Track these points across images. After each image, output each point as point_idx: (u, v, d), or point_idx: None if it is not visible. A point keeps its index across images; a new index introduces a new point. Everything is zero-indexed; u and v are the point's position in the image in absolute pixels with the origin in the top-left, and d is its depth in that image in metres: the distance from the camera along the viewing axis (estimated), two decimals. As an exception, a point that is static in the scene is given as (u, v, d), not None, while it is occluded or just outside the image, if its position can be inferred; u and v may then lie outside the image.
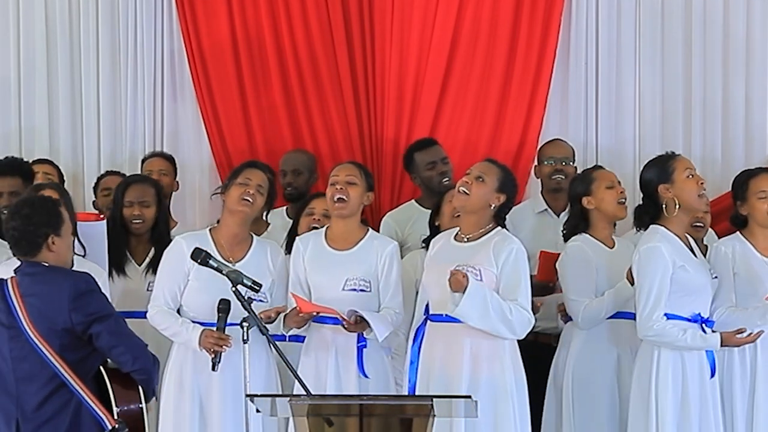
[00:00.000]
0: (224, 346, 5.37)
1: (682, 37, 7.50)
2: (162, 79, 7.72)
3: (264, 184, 5.74)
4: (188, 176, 7.51)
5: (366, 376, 5.64)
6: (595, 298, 5.91)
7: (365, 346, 5.65)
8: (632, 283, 5.72)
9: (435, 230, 6.06)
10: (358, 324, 5.57)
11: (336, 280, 5.68)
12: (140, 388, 4.72)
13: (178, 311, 5.73)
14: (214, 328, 5.40)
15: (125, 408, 4.66)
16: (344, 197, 5.72)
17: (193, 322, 5.61)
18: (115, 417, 4.59)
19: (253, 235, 5.82)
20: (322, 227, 5.95)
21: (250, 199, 5.67)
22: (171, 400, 5.66)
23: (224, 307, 5.35)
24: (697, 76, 7.48)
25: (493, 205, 5.60)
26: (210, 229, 5.82)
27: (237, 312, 5.29)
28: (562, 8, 7.45)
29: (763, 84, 7.47)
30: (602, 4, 7.50)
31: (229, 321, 5.42)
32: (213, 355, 5.37)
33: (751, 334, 5.53)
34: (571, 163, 6.96)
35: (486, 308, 5.40)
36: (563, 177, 6.83)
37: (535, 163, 7.11)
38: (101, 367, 4.73)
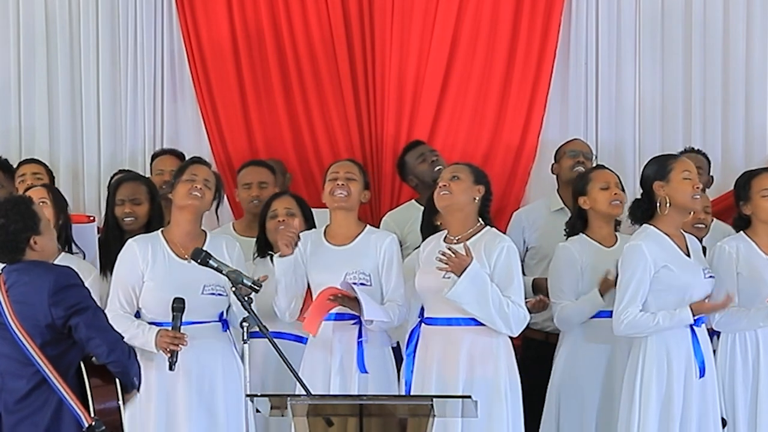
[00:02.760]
0: (180, 345, 5.35)
1: (682, 37, 7.50)
2: (162, 79, 7.71)
3: (210, 178, 5.70)
4: (188, 176, 7.51)
5: (365, 372, 5.64)
6: (575, 299, 5.95)
7: (366, 340, 5.66)
8: (605, 287, 5.83)
9: (435, 229, 6.06)
10: (349, 300, 5.56)
11: (336, 275, 5.66)
12: (117, 383, 4.72)
13: (138, 315, 5.67)
14: (170, 328, 5.39)
15: (103, 405, 4.66)
16: (345, 192, 5.76)
17: (153, 323, 5.55)
18: (92, 414, 4.59)
19: (207, 231, 5.77)
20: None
21: (199, 193, 5.62)
22: (137, 404, 5.60)
23: (179, 305, 5.35)
24: (697, 76, 7.48)
25: (476, 198, 5.63)
26: (162, 230, 5.77)
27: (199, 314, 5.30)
28: (562, 8, 7.45)
29: (763, 84, 7.47)
30: (602, 4, 7.50)
31: (193, 320, 5.45)
32: (169, 355, 5.35)
33: (724, 298, 5.55)
34: (591, 160, 6.96)
35: (485, 295, 5.41)
36: (583, 170, 6.81)
37: (553, 161, 7.08)
38: (81, 363, 4.73)
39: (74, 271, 4.75)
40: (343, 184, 5.76)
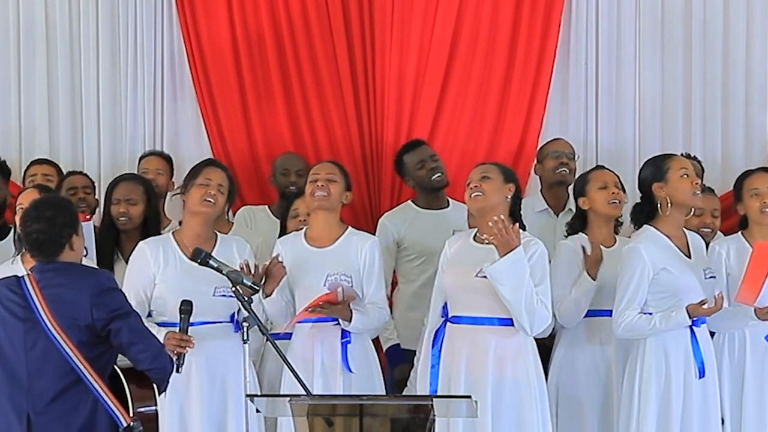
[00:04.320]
0: (187, 348, 5.34)
1: (682, 37, 7.51)
2: (162, 79, 7.71)
3: (224, 183, 5.71)
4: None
5: (350, 371, 5.65)
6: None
7: (349, 342, 5.68)
8: (589, 265, 5.85)
9: None
10: (339, 306, 5.57)
11: (317, 276, 5.69)
12: (155, 388, 4.73)
13: (149, 316, 5.67)
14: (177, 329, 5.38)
15: (142, 408, 4.68)
16: (325, 193, 5.77)
17: (164, 324, 5.55)
18: (131, 416, 4.60)
19: (218, 233, 5.78)
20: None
21: (212, 200, 5.63)
22: None
23: (186, 308, 5.33)
24: (697, 76, 7.49)
25: (508, 197, 5.62)
26: (173, 232, 5.78)
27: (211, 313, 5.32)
28: (562, 8, 7.46)
29: (763, 84, 7.47)
30: (602, 4, 7.50)
31: (205, 320, 5.46)
32: (176, 357, 5.33)
33: (716, 300, 5.47)
34: (574, 160, 6.97)
35: (521, 282, 5.37)
36: (567, 171, 6.83)
37: (535, 162, 7.11)
38: (116, 367, 4.74)
39: (111, 275, 4.77)
40: (322, 185, 5.77)
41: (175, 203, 7.01)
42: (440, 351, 5.60)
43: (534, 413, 5.48)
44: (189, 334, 5.34)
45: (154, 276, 5.63)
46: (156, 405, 4.72)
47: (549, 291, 5.53)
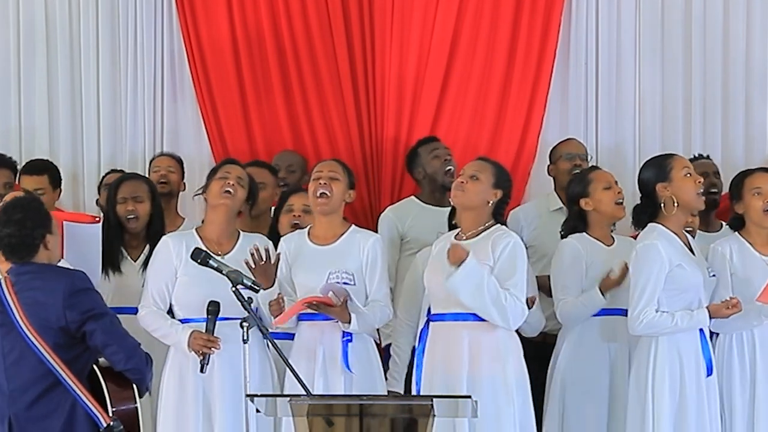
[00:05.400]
0: (213, 348, 5.36)
1: (682, 37, 7.51)
2: (162, 79, 7.72)
3: (243, 176, 5.76)
4: (188, 176, 7.50)
5: (350, 371, 5.64)
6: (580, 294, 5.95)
7: (350, 341, 5.67)
8: (607, 286, 5.84)
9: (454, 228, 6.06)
10: (336, 309, 5.56)
11: (319, 274, 5.68)
12: (134, 386, 4.72)
13: (170, 311, 5.70)
14: (203, 329, 5.38)
15: (121, 407, 4.66)
16: (327, 192, 5.75)
17: (184, 319, 5.59)
18: (110, 415, 4.59)
19: (240, 230, 5.81)
20: (303, 223, 6.01)
21: (231, 190, 5.68)
22: (172, 401, 5.64)
23: (213, 308, 5.34)
24: (697, 76, 7.49)
25: (491, 202, 5.61)
26: (196, 228, 5.83)
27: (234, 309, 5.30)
28: (562, 8, 7.46)
29: (763, 84, 7.47)
30: (602, 4, 7.50)
31: (227, 315, 5.42)
32: (201, 357, 5.36)
33: (735, 303, 5.51)
34: (587, 160, 6.97)
35: (480, 287, 5.38)
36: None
37: (548, 162, 7.09)
38: (95, 367, 4.73)
39: (87, 276, 4.75)
40: (325, 183, 5.76)
41: (187, 204, 7.06)
42: (423, 350, 5.62)
43: (511, 410, 5.47)
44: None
45: (176, 270, 5.66)
46: (136, 403, 4.70)
47: (523, 284, 5.51)
